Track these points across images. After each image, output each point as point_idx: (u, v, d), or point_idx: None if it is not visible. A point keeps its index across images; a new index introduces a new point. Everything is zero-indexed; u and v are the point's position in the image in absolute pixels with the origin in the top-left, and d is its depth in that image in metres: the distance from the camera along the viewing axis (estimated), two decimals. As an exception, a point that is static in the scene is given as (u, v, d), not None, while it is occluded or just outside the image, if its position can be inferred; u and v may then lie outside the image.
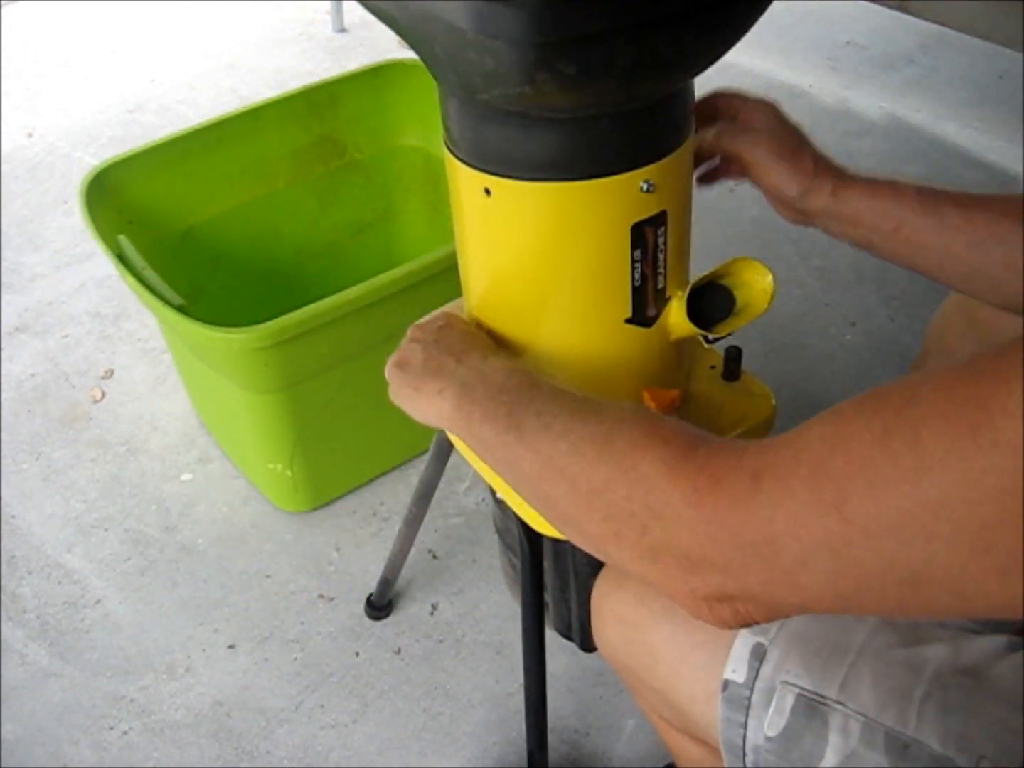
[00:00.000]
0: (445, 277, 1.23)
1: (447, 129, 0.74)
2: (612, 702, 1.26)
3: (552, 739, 1.19)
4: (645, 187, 0.70)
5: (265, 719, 1.27)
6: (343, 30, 2.67)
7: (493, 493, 0.97)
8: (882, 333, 1.72)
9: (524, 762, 1.09)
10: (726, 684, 0.72)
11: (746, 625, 0.53)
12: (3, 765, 1.24)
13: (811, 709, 0.69)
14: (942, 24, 1.97)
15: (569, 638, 1.10)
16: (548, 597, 1.04)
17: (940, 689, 0.66)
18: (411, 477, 1.52)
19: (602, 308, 0.77)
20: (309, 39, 2.65)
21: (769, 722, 0.70)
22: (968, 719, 0.65)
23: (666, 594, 0.54)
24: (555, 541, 0.97)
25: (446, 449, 1.09)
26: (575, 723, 1.25)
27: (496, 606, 1.37)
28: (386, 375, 0.78)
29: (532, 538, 0.91)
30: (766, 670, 0.71)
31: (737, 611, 0.52)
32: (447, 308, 0.91)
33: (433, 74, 0.70)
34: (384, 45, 2.59)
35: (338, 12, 2.64)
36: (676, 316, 0.77)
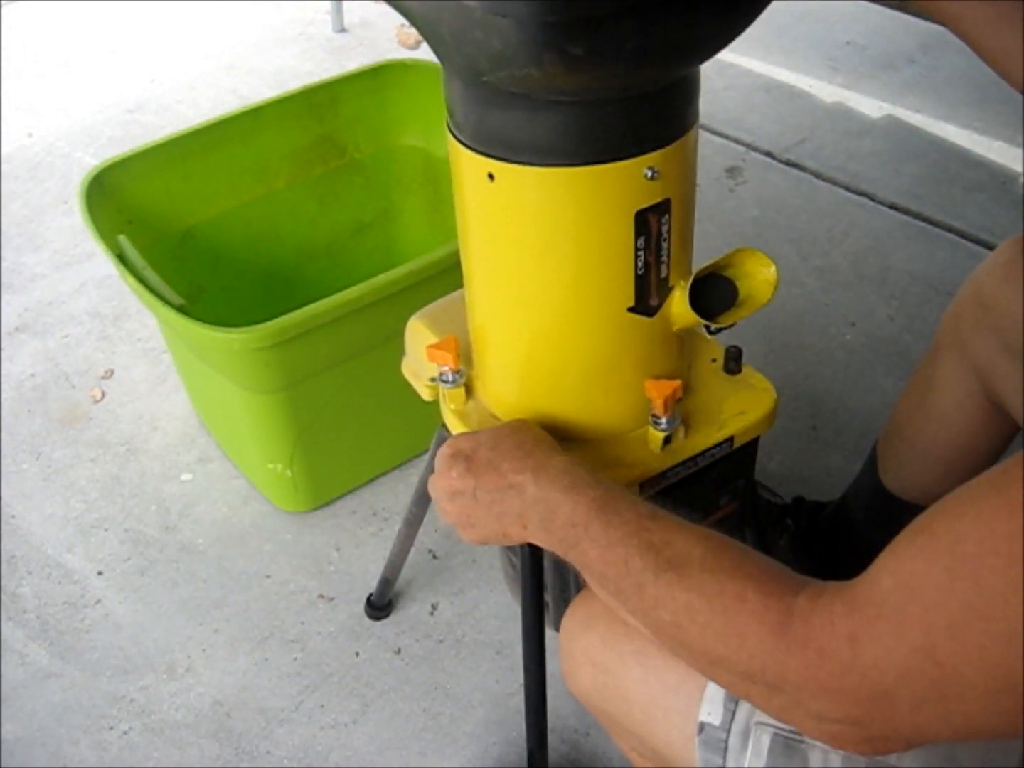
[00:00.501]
0: (445, 277, 1.23)
1: (451, 112, 0.74)
2: (612, 702, 1.26)
3: (552, 739, 1.19)
4: (650, 174, 0.70)
5: (265, 719, 1.27)
6: (343, 30, 2.67)
7: (493, 493, 0.97)
8: (882, 333, 1.72)
9: (524, 762, 1.09)
10: (702, 727, 0.72)
11: (891, 752, 0.56)
12: (3, 765, 1.24)
13: (788, 748, 0.68)
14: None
15: (569, 638, 1.10)
16: (548, 597, 1.04)
17: None
18: (411, 477, 1.52)
19: (604, 296, 0.77)
20: (309, 39, 2.65)
21: (748, 764, 0.70)
22: (952, 741, 0.64)
23: (811, 737, 0.59)
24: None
25: (446, 449, 1.09)
26: (575, 723, 1.25)
27: (496, 606, 1.37)
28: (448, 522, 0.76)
29: (532, 538, 0.91)
30: (741, 712, 0.71)
31: (877, 747, 0.54)
32: (447, 446, 0.77)
33: (438, 55, 0.69)
34: (384, 45, 2.59)
35: (338, 12, 2.64)
36: (679, 306, 0.77)
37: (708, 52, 0.67)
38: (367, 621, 1.36)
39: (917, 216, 1.96)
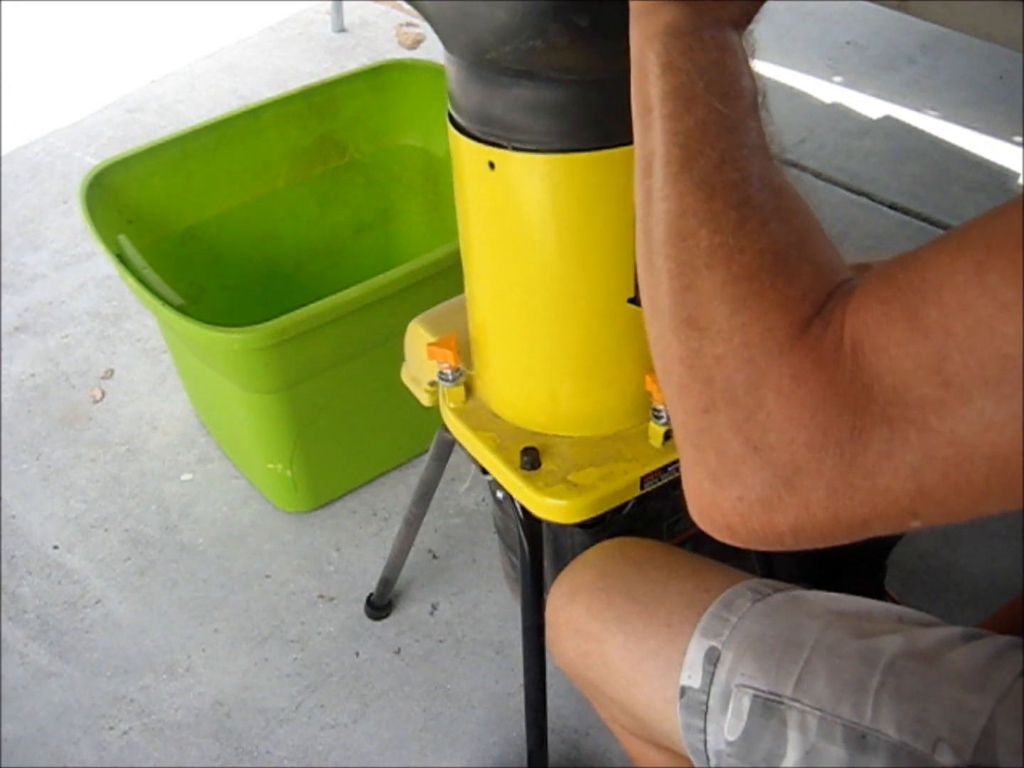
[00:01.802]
0: (445, 277, 1.24)
1: (452, 100, 0.74)
2: (612, 702, 1.26)
3: (552, 739, 1.19)
4: None
5: (265, 719, 1.27)
6: (343, 30, 2.66)
7: (493, 493, 0.97)
8: (882, 333, 1.72)
9: (524, 762, 1.09)
10: (683, 691, 0.72)
11: (797, 537, 0.45)
12: (3, 765, 1.24)
13: (768, 709, 0.69)
14: (942, 24, 1.97)
15: (569, 638, 1.09)
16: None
17: (894, 676, 0.66)
18: (411, 477, 1.52)
19: (605, 286, 0.76)
20: (309, 39, 2.65)
21: (728, 726, 0.70)
22: (923, 703, 0.65)
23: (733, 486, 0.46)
24: (555, 540, 0.97)
25: (446, 449, 1.09)
26: (575, 723, 1.25)
27: (496, 606, 1.37)
28: None
29: (532, 538, 0.91)
30: (721, 674, 0.71)
31: (790, 516, 0.44)
32: None
33: (442, 38, 0.69)
34: (384, 45, 2.59)
35: (338, 12, 2.64)
36: None
37: None
38: (367, 621, 1.36)
39: (917, 216, 1.96)
